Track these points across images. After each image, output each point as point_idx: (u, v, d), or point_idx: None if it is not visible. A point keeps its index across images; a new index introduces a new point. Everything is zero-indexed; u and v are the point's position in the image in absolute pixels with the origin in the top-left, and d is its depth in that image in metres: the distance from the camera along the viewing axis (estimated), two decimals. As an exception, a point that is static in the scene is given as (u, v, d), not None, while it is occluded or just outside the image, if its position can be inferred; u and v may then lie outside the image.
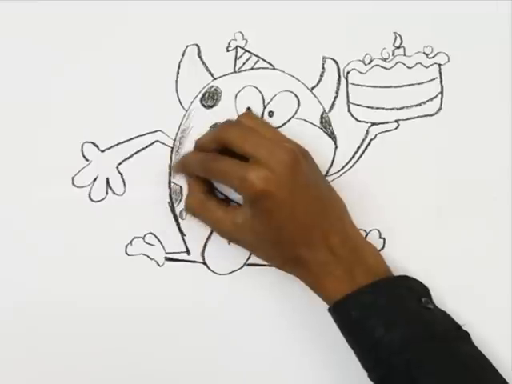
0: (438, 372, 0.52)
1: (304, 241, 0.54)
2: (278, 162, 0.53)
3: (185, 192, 0.59)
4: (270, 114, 0.59)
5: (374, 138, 0.60)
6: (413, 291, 0.55)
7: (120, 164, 0.59)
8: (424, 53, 0.60)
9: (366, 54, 0.60)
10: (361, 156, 0.60)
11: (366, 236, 0.60)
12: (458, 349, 0.54)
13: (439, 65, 0.60)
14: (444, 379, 0.52)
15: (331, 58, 0.60)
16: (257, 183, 0.52)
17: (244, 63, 0.60)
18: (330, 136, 0.60)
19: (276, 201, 0.53)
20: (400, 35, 0.60)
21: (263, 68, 0.60)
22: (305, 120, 0.60)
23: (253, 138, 0.54)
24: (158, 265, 0.60)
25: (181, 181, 0.60)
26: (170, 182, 0.60)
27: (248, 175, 0.52)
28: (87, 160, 0.59)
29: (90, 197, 0.59)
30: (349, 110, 0.60)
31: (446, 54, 0.60)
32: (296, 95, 0.60)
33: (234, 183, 0.54)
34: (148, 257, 0.60)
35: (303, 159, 0.55)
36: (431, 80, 0.60)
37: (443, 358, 0.52)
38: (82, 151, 0.59)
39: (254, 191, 0.52)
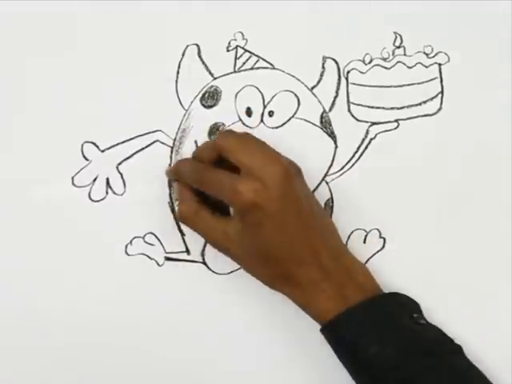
0: None
1: (294, 257, 0.54)
2: (271, 175, 0.52)
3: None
4: (270, 113, 0.60)
5: (374, 138, 0.60)
6: (404, 307, 0.55)
7: (120, 164, 0.59)
8: (424, 52, 0.60)
9: (366, 54, 0.60)
10: (361, 156, 0.60)
11: (366, 236, 0.60)
12: (452, 363, 0.54)
13: (439, 65, 0.60)
14: None
15: (331, 58, 0.60)
16: (247, 195, 0.52)
17: (244, 63, 0.60)
18: (330, 136, 0.60)
19: (265, 214, 0.52)
20: (400, 35, 0.60)
21: (263, 68, 0.60)
22: (305, 120, 0.60)
23: (249, 148, 0.54)
24: (158, 264, 0.60)
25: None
26: (169, 181, 0.60)
27: (238, 186, 0.52)
28: (87, 160, 0.59)
29: (90, 197, 0.59)
30: (349, 110, 0.60)
31: (446, 53, 0.60)
32: (296, 95, 0.60)
33: (225, 194, 0.53)
34: (148, 256, 0.60)
35: (296, 175, 0.54)
36: (431, 80, 0.60)
37: (438, 373, 0.52)
38: (82, 151, 0.59)
39: (243, 203, 0.52)
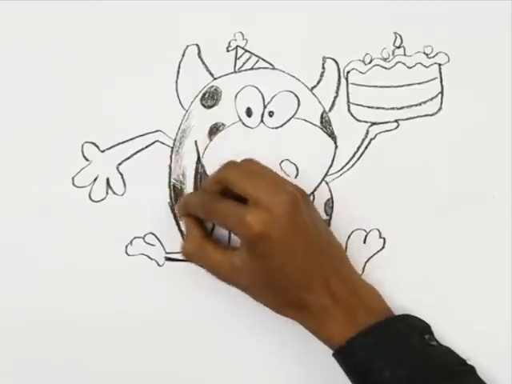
0: None
1: (304, 284, 0.54)
2: (278, 205, 0.52)
3: (186, 193, 0.60)
4: (270, 114, 0.60)
5: (374, 138, 0.60)
6: (415, 329, 0.55)
7: (120, 164, 0.60)
8: (424, 53, 0.60)
9: (366, 54, 0.60)
10: (361, 156, 0.60)
11: (366, 236, 0.60)
12: None
13: (439, 65, 0.60)
14: None
15: (331, 58, 0.60)
16: (255, 226, 0.51)
17: (244, 63, 0.60)
18: (330, 136, 0.60)
19: (274, 244, 0.52)
20: (400, 35, 0.60)
21: (263, 68, 0.60)
22: (305, 120, 0.60)
23: (254, 180, 0.54)
24: (158, 265, 0.60)
25: (181, 180, 0.60)
26: (169, 181, 0.60)
27: (246, 217, 0.51)
28: (87, 160, 0.59)
29: (90, 197, 0.59)
30: (349, 110, 0.60)
31: (446, 54, 0.60)
32: (296, 95, 0.60)
33: (233, 225, 0.53)
34: (148, 257, 0.60)
35: (303, 202, 0.54)
36: (431, 80, 0.60)
37: None
38: (83, 151, 0.59)
39: (251, 234, 0.51)
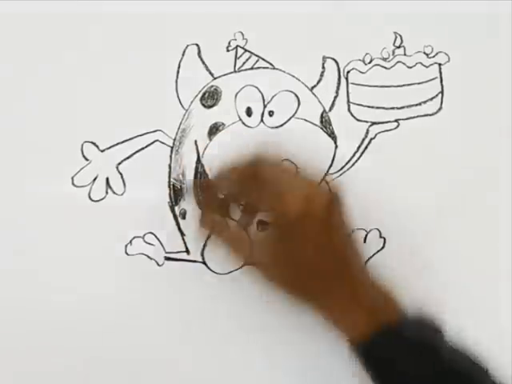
0: None
1: (333, 272, 0.53)
2: (320, 191, 0.53)
3: (185, 191, 0.60)
4: (270, 113, 0.60)
5: (374, 138, 0.60)
6: (432, 330, 0.54)
7: (120, 164, 0.60)
8: (424, 52, 0.60)
9: (366, 54, 0.60)
10: (361, 155, 0.60)
11: (366, 236, 0.60)
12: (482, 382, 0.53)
13: (439, 64, 0.60)
14: None
15: (331, 58, 0.60)
16: (298, 202, 0.51)
17: (244, 63, 0.60)
18: (330, 135, 0.60)
19: (316, 224, 0.52)
20: (400, 35, 0.60)
21: (263, 68, 0.60)
22: (305, 119, 0.60)
23: (293, 178, 0.54)
24: (158, 264, 0.60)
25: (181, 180, 0.60)
26: (169, 181, 0.60)
27: (288, 196, 0.51)
28: (87, 160, 0.59)
29: (89, 196, 0.59)
30: (349, 110, 0.60)
31: (446, 53, 0.60)
32: (296, 95, 0.60)
33: (273, 203, 0.52)
34: (148, 256, 0.60)
35: (341, 199, 0.54)
36: (431, 80, 0.60)
37: None
38: (82, 151, 0.59)
39: (295, 209, 0.51)
